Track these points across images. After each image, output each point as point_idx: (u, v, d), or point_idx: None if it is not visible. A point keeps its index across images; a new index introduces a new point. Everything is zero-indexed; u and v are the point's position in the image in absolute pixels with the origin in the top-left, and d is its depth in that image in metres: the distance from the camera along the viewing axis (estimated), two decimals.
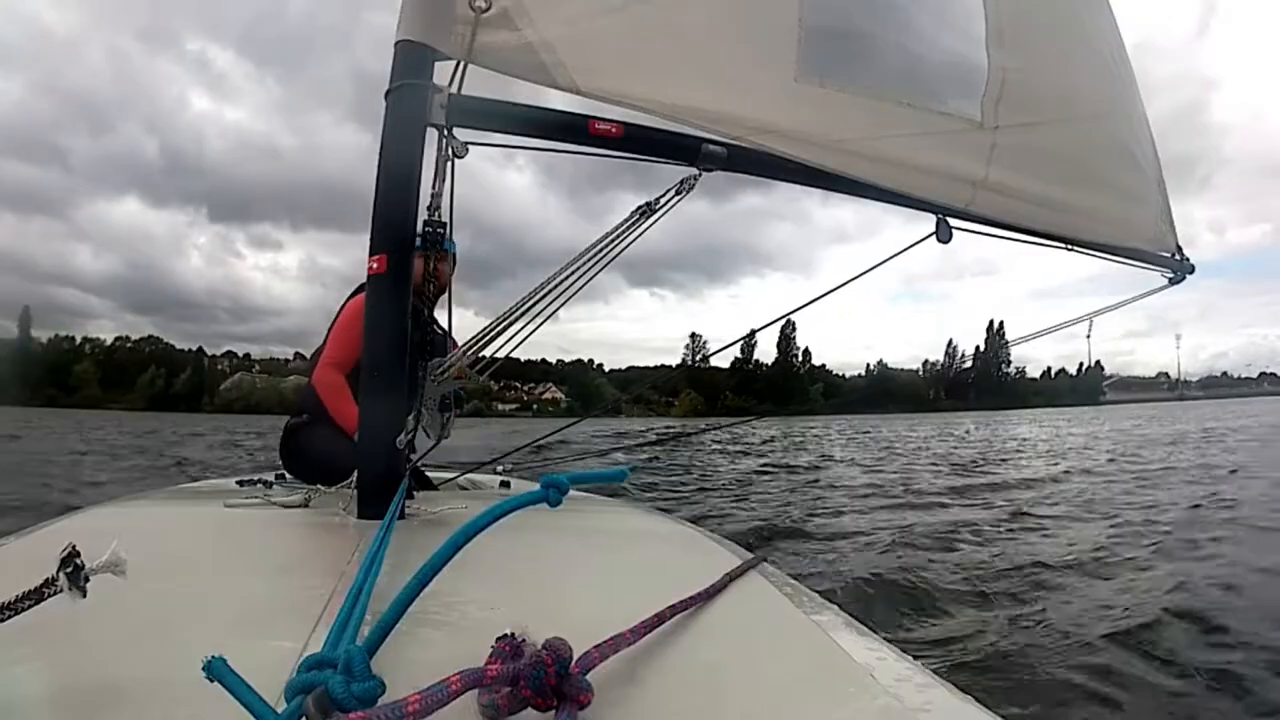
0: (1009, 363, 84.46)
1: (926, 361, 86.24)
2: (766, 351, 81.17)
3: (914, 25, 1.75)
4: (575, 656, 0.49)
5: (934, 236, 1.79)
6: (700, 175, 1.52)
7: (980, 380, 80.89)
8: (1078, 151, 1.94)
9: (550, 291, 1.46)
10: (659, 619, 0.68)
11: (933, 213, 1.77)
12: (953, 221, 1.78)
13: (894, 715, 0.56)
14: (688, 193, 1.52)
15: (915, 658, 0.70)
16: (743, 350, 77.14)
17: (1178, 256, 2.19)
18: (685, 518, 2.16)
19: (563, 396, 75.52)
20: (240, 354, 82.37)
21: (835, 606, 0.89)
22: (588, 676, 0.50)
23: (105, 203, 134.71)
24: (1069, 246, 1.97)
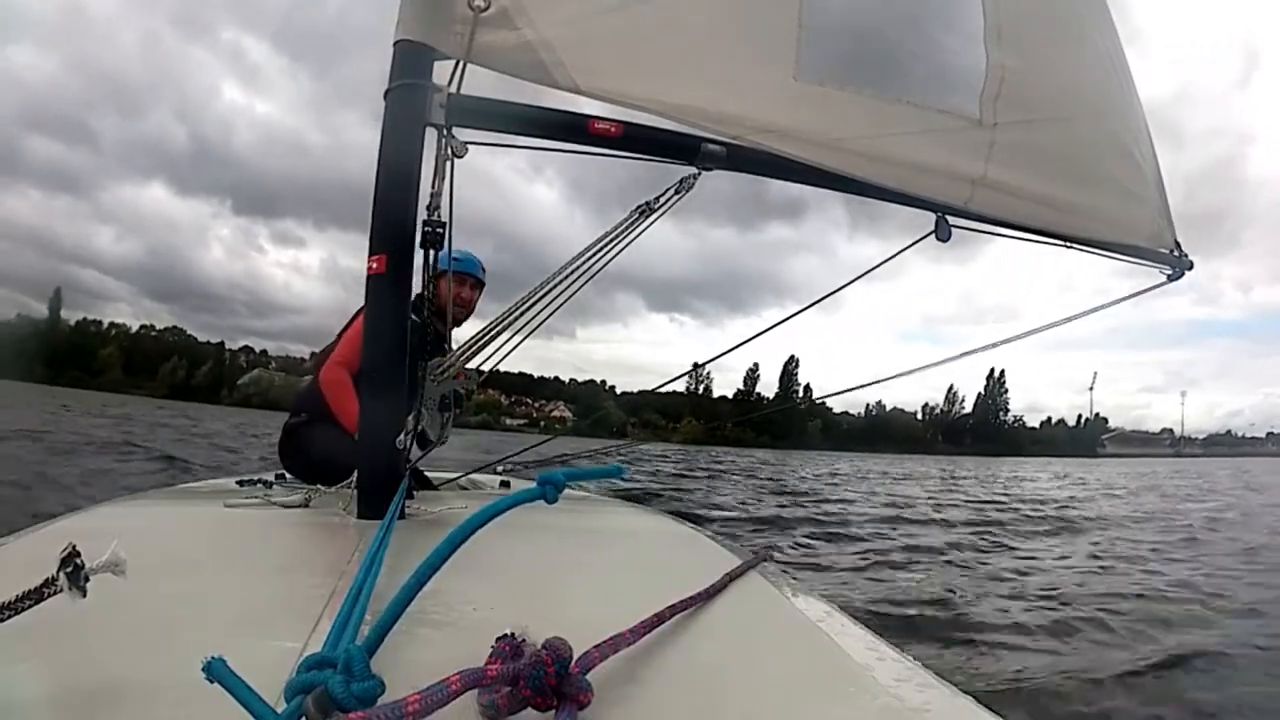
0: (1006, 410, 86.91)
1: (926, 405, 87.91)
2: (769, 384, 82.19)
3: (913, 24, 1.75)
4: (575, 656, 0.49)
5: (934, 235, 1.79)
6: (700, 174, 1.52)
7: (978, 426, 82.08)
8: (1076, 149, 1.93)
9: (550, 292, 1.46)
10: (659, 619, 0.67)
11: (932, 211, 1.77)
12: (952, 220, 1.78)
13: (894, 715, 0.56)
14: (687, 192, 1.52)
15: (915, 658, 0.70)
16: (745, 383, 77.96)
17: (1175, 253, 2.19)
18: (685, 516, 2.16)
19: (570, 415, 76.53)
20: (257, 349, 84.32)
21: (835, 606, 0.89)
22: (588, 676, 0.50)
23: (131, 187, 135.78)
24: (1067, 244, 1.97)
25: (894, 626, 3.27)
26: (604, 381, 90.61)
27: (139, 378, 68.53)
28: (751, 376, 79.58)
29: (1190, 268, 2.19)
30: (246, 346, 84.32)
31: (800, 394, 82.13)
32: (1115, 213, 2.02)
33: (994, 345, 2.18)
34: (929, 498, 11.47)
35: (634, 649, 0.61)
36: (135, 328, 78.89)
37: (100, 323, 77.02)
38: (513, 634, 0.54)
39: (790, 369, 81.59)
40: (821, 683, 0.64)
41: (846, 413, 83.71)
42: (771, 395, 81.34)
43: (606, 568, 1.20)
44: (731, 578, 0.93)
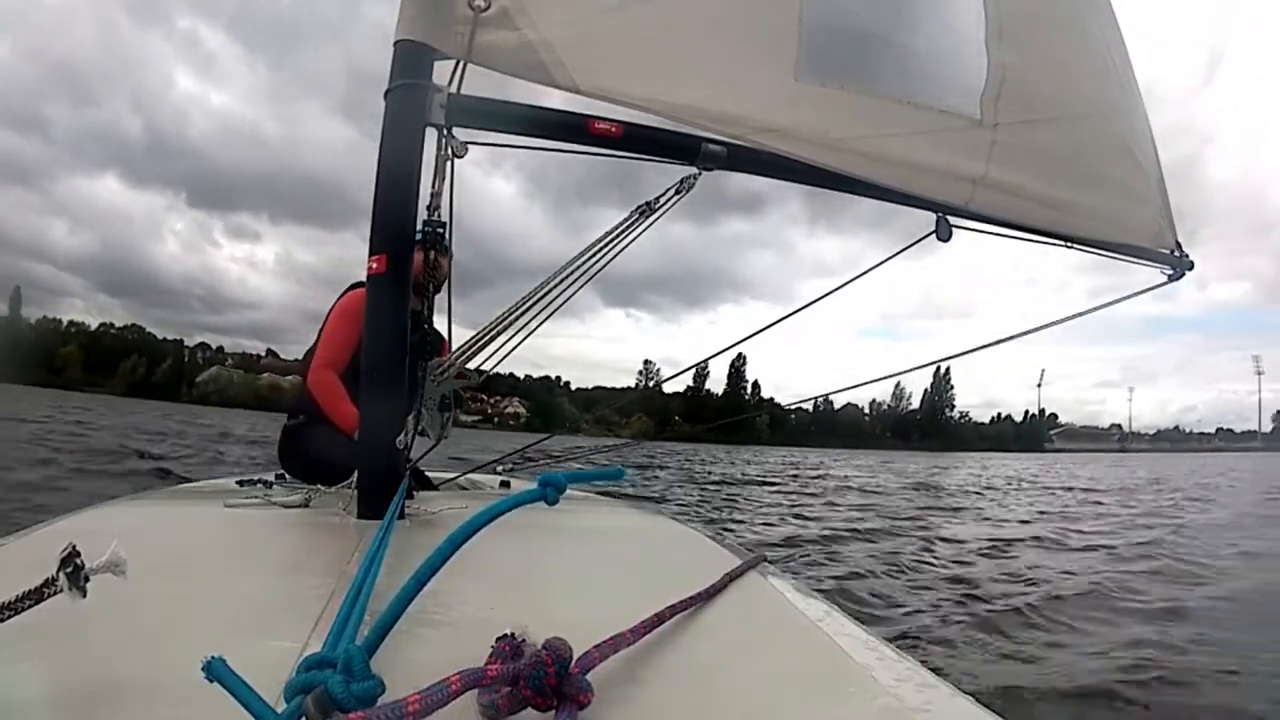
0: (952, 406, 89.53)
1: (874, 401, 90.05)
2: (718, 380, 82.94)
3: (914, 23, 1.75)
4: (575, 656, 0.49)
5: (934, 235, 1.79)
6: (700, 174, 1.52)
7: (926, 423, 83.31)
8: (1077, 149, 1.93)
9: (550, 292, 1.46)
10: (659, 619, 0.67)
11: (933, 211, 1.77)
12: (953, 220, 1.78)
13: (894, 715, 0.56)
14: (688, 192, 1.52)
15: (915, 658, 0.70)
16: (694, 379, 78.25)
17: (1176, 253, 2.18)
18: (685, 516, 2.16)
19: (524, 412, 77.00)
20: (214, 346, 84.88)
21: (835, 606, 0.89)
22: (588, 676, 0.50)
23: (84, 178, 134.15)
24: (1068, 244, 1.97)
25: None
26: (559, 378, 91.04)
27: (98, 375, 68.93)
28: (700, 374, 79.25)
29: (1190, 268, 2.18)
30: (203, 343, 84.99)
31: (749, 390, 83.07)
32: (1116, 213, 2.02)
33: (996, 343, 2.17)
34: None
35: (634, 649, 0.61)
36: (94, 325, 79.38)
37: (60, 321, 77.64)
38: (513, 634, 0.54)
39: (738, 366, 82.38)
40: (821, 683, 0.64)
41: (800, 409, 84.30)
42: (720, 392, 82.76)
43: (606, 568, 1.20)
44: (731, 578, 0.93)
